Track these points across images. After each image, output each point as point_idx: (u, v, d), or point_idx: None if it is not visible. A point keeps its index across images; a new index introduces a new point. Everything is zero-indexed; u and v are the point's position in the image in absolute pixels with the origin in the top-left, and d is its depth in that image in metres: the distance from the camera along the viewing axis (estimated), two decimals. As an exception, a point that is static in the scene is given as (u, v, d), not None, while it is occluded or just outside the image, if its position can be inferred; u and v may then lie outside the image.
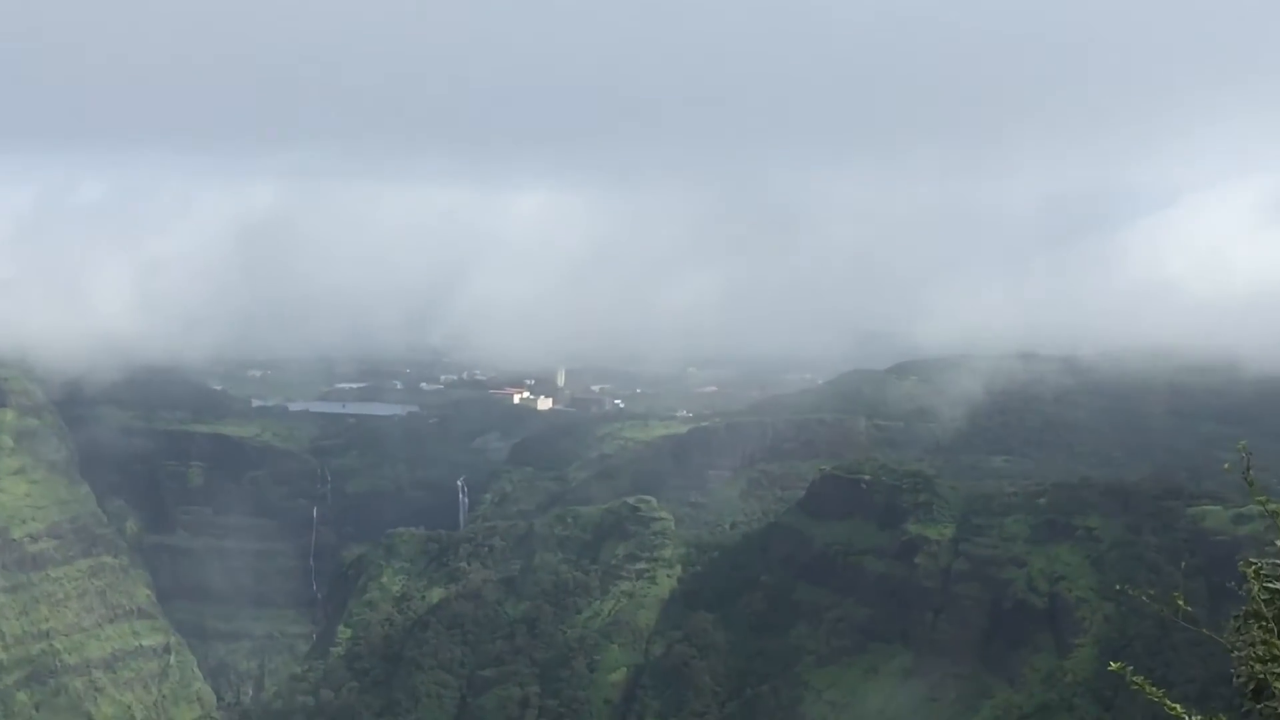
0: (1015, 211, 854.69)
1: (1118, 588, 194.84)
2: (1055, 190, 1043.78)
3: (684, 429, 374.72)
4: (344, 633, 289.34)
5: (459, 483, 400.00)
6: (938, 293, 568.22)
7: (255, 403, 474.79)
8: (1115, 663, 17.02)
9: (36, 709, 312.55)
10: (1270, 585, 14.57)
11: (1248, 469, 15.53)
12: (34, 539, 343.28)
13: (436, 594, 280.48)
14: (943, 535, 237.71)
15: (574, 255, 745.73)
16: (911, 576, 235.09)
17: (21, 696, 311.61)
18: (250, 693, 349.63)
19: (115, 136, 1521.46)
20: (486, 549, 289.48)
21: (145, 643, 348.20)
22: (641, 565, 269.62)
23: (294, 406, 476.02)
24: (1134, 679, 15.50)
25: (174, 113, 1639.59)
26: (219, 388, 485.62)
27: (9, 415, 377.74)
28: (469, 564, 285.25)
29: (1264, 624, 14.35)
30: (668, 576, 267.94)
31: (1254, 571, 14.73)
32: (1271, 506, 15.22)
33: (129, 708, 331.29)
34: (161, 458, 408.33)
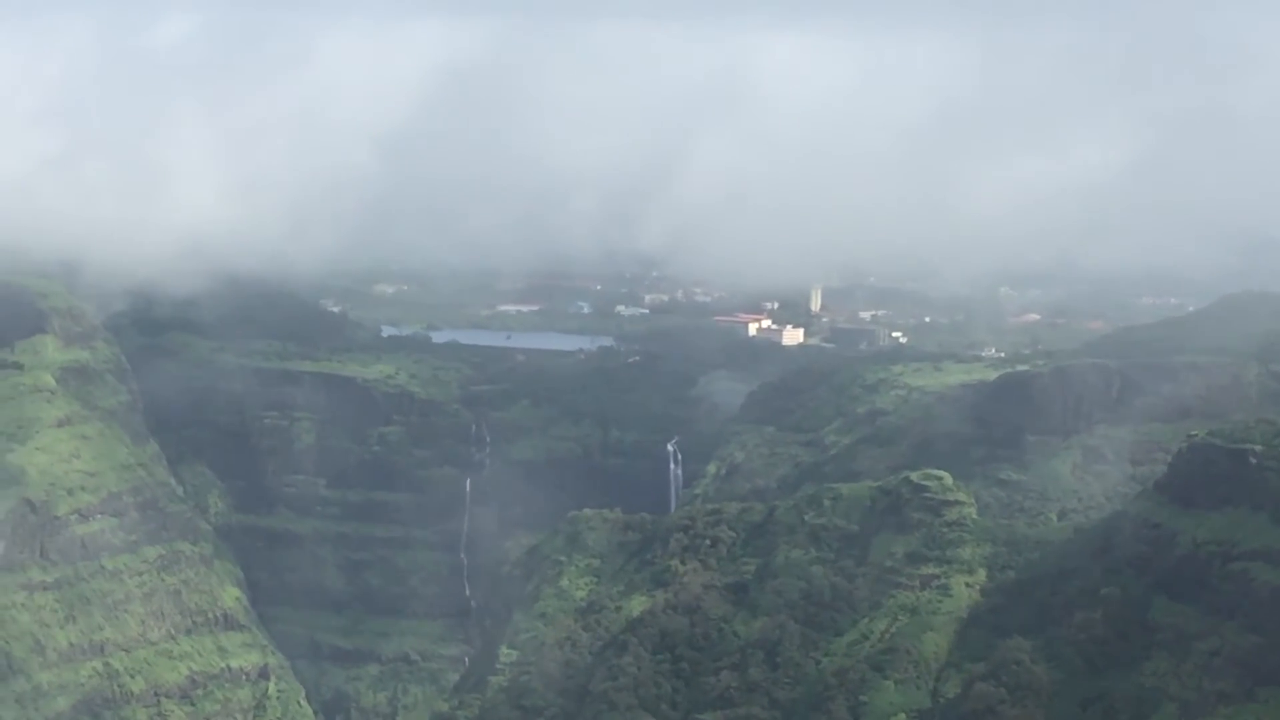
0: None
1: None
2: None
3: (993, 375, 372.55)
4: (508, 655, 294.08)
5: (670, 447, 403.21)
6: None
7: (386, 331, 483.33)
8: None
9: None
10: None
11: None
12: (84, 517, 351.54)
13: (638, 604, 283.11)
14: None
15: (838, 123, 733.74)
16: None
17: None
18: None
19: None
20: (708, 542, 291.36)
21: (235, 663, 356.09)
22: (929, 569, 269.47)
23: (440, 337, 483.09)
24: None
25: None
26: (337, 309, 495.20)
27: (50, 345, 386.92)
28: (683, 563, 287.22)
29: None
30: (967, 586, 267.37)
31: None
32: None
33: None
34: (258, 407, 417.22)
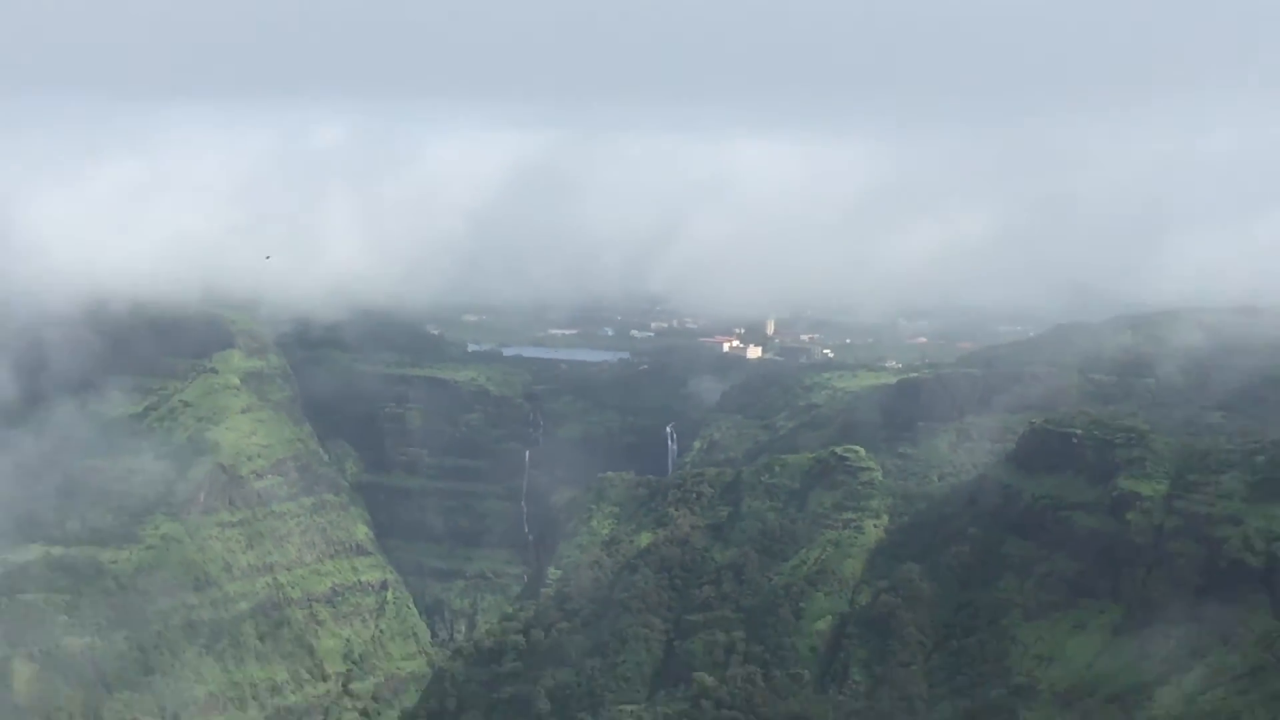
0: (1246, 162, 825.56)
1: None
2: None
3: (893, 380, 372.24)
4: (554, 574, 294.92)
5: (668, 429, 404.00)
6: (1158, 245, 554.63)
7: (471, 347, 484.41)
8: None
9: (261, 640, 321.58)
10: None
11: None
12: (259, 475, 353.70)
13: (645, 538, 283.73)
14: (1156, 491, 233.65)
15: (789, 206, 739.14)
16: (1122, 532, 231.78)
17: (247, 627, 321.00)
18: (463, 630, 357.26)
19: (353, 86, 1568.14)
20: (694, 495, 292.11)
21: (364, 579, 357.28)
22: (848, 515, 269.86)
23: (508, 351, 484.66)
24: None
25: (411, 64, 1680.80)
26: (436, 332, 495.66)
27: (236, 356, 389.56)
28: (677, 510, 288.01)
29: None
30: (874, 527, 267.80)
31: None
32: None
33: (348, 641, 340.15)
34: (380, 400, 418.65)
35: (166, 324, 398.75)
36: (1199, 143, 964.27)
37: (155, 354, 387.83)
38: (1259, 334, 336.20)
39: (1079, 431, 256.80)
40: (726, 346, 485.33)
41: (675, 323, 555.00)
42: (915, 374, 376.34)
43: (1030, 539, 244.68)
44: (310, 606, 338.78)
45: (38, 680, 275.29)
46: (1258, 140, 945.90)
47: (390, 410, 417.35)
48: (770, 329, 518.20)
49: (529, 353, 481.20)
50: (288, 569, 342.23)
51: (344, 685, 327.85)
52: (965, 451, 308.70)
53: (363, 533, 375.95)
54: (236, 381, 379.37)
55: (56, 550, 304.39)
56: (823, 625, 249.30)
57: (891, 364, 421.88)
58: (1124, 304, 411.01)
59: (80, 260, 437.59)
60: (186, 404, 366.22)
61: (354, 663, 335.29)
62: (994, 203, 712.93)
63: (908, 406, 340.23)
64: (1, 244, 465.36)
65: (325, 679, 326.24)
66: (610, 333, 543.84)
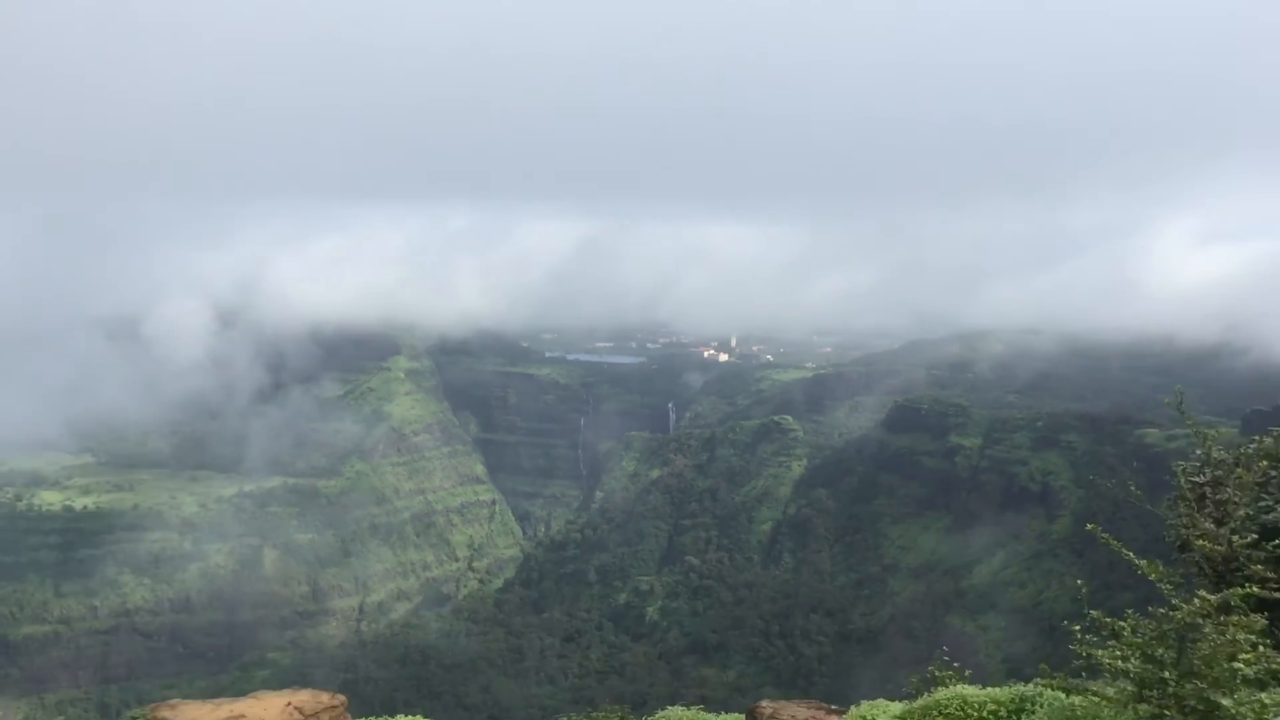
0: (1029, 239, 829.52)
1: (1090, 478, 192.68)
2: (1069, 219, 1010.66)
3: (809, 374, 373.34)
4: (599, 496, 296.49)
5: (669, 405, 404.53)
6: (975, 289, 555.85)
7: (547, 354, 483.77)
8: (1091, 524, 17.09)
9: (417, 535, 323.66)
10: (1192, 479, 14.98)
11: (1180, 403, 15.99)
12: (416, 434, 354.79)
13: (655, 473, 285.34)
14: (973, 444, 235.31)
15: (744, 266, 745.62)
16: (952, 469, 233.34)
17: (408, 528, 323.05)
18: (542, 530, 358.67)
19: (472, 191, 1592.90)
20: (686, 446, 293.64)
21: (480, 498, 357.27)
22: (782, 458, 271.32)
23: (570, 356, 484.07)
24: (1102, 536, 15.56)
25: (508, 178, 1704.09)
26: (525, 344, 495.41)
27: (402, 359, 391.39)
28: (675, 455, 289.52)
29: (1187, 503, 14.78)
30: (798, 465, 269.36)
31: (1182, 470, 15.14)
32: (1193, 426, 15.44)
33: (471, 536, 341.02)
34: (491, 386, 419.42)
35: (359, 338, 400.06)
36: (1002, 226, 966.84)
37: (352, 357, 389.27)
38: (1039, 346, 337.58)
39: (925, 406, 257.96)
40: (706, 353, 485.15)
41: (674, 338, 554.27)
42: (823, 370, 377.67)
43: (895, 473, 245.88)
44: (447, 515, 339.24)
45: (279, 561, 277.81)
46: (1039, 227, 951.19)
47: (497, 393, 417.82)
48: (733, 342, 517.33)
49: (583, 358, 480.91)
50: (433, 491, 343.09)
51: (469, 564, 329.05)
52: (854, 419, 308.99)
53: (480, 469, 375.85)
54: (402, 375, 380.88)
55: (290, 480, 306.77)
56: (766, 527, 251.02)
57: (809, 365, 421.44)
58: (953, 326, 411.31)
59: (306, 299, 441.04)
60: (371, 389, 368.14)
61: (474, 550, 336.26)
62: (871, 263, 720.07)
63: (819, 391, 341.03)
64: (258, 290, 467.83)
65: (456, 560, 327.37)
66: (634, 345, 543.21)
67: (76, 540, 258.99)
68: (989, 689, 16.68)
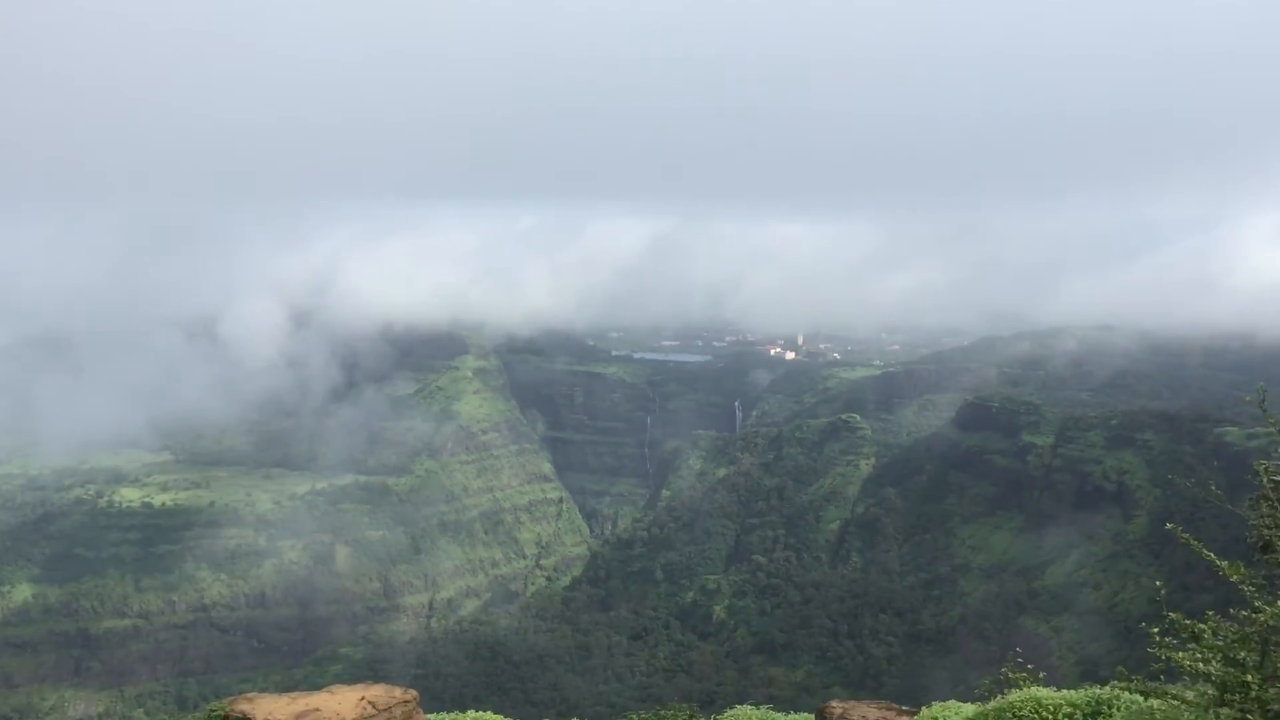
0: (1105, 237, 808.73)
1: (1169, 477, 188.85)
2: (1149, 213, 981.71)
3: (878, 372, 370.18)
4: (665, 494, 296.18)
5: (736, 404, 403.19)
6: (1049, 286, 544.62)
7: (614, 353, 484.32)
8: (1171, 524, 16.89)
9: (485, 533, 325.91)
10: (1275, 478, 14.56)
11: (1263, 400, 15.49)
12: (484, 432, 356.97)
13: (721, 472, 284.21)
14: (1046, 442, 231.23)
15: (810, 263, 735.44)
16: (1025, 469, 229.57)
17: (477, 525, 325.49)
18: (609, 528, 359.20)
19: (540, 192, 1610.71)
20: (753, 444, 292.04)
21: (548, 496, 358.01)
22: (850, 457, 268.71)
23: (636, 355, 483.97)
24: (1183, 536, 15.44)
25: (577, 178, 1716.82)
26: (592, 343, 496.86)
27: (470, 358, 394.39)
28: (742, 454, 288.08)
29: (1270, 503, 14.40)
30: (866, 464, 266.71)
31: (1264, 468, 14.70)
32: (1275, 424, 15.08)
33: (539, 534, 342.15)
34: (558, 385, 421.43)
35: (428, 338, 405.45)
36: (1081, 221, 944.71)
37: (422, 356, 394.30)
38: (1115, 343, 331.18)
39: (996, 404, 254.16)
40: (773, 351, 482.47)
41: (740, 337, 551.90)
42: (892, 369, 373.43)
43: (965, 472, 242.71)
44: (515, 513, 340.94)
45: (351, 558, 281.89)
46: (1118, 221, 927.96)
47: (564, 392, 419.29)
48: (800, 340, 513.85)
49: (649, 356, 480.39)
50: (501, 489, 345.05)
51: (536, 562, 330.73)
52: (924, 418, 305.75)
53: (547, 467, 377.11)
54: (470, 374, 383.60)
55: (362, 478, 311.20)
56: (834, 526, 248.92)
57: (876, 363, 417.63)
58: (1025, 323, 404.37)
59: (378, 299, 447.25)
60: (440, 388, 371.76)
61: (542, 548, 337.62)
62: (944, 260, 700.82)
63: (888, 389, 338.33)
64: (332, 291, 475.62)
65: (524, 558, 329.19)
66: (700, 343, 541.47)
67: (155, 536, 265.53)
68: (1064, 691, 16.43)
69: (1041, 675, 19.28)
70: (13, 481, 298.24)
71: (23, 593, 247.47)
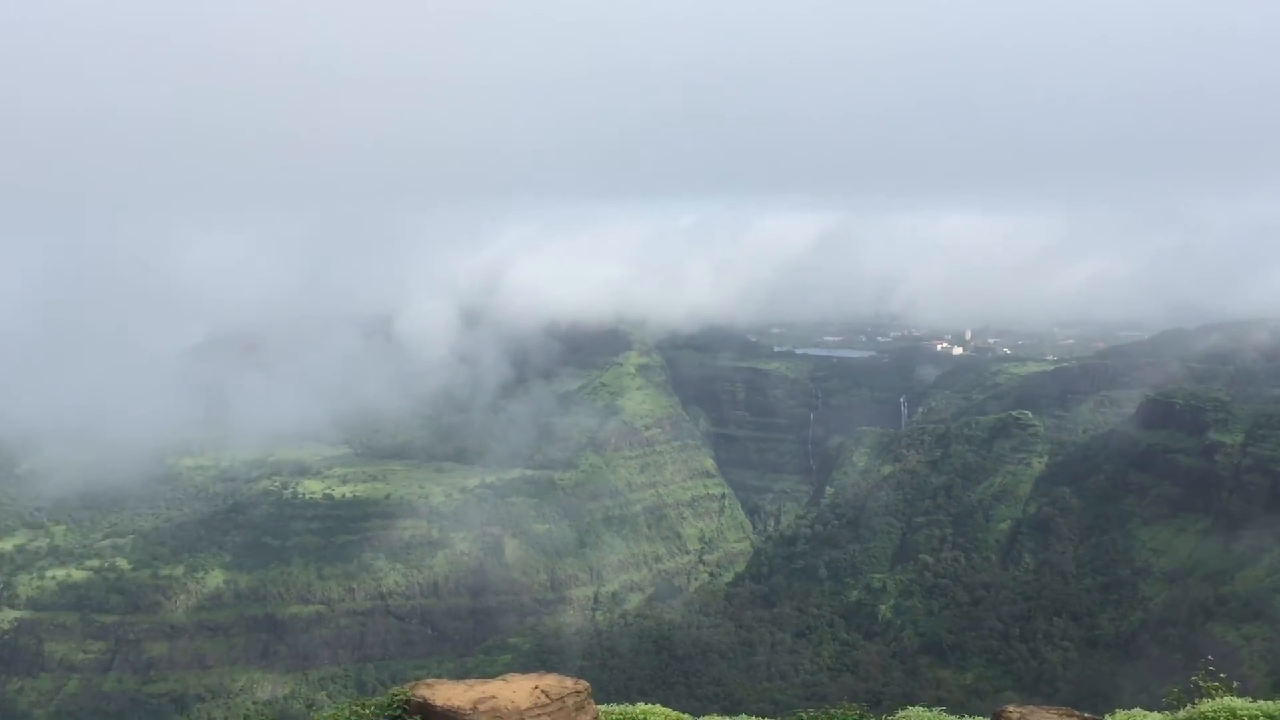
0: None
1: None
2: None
3: (1050, 367, 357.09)
4: (829, 491, 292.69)
5: (901, 400, 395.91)
6: (1237, 275, 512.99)
7: (776, 348, 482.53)
8: None
9: (649, 528, 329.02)
10: None
11: None
12: (647, 428, 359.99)
13: (887, 469, 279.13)
14: (1235, 441, 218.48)
15: (979, 256, 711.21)
16: (1211, 468, 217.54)
17: (640, 520, 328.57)
18: (772, 524, 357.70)
19: (703, 188, 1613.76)
20: (919, 442, 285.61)
21: (710, 492, 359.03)
22: (1021, 455, 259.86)
23: (799, 351, 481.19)
24: None
25: (740, 173, 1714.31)
26: (754, 339, 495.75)
27: (633, 355, 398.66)
28: (907, 451, 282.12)
29: None
30: (1039, 462, 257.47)
31: None
32: None
33: (701, 530, 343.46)
34: (720, 381, 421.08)
35: (593, 334, 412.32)
36: (1265, 209, 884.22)
37: (587, 353, 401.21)
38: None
39: (1179, 401, 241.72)
40: (939, 346, 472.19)
41: (906, 332, 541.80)
42: (1065, 364, 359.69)
43: (1146, 472, 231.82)
44: (678, 508, 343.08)
45: (518, 550, 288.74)
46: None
47: (726, 388, 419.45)
48: (967, 335, 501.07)
49: (812, 352, 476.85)
50: (665, 485, 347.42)
51: (699, 557, 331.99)
52: (1100, 415, 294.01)
53: (710, 463, 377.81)
54: (633, 370, 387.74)
55: (529, 472, 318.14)
56: (1004, 526, 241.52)
57: (1049, 357, 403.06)
58: (1211, 315, 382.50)
59: (545, 297, 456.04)
60: (604, 384, 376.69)
61: (705, 543, 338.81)
62: (1124, 251, 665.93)
63: (1061, 385, 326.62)
64: (502, 288, 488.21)
65: (687, 553, 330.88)
66: (864, 339, 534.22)
67: (336, 527, 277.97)
68: (1260, 702, 15.59)
69: (1235, 685, 18.31)
70: (206, 473, 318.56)
71: (215, 579, 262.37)
